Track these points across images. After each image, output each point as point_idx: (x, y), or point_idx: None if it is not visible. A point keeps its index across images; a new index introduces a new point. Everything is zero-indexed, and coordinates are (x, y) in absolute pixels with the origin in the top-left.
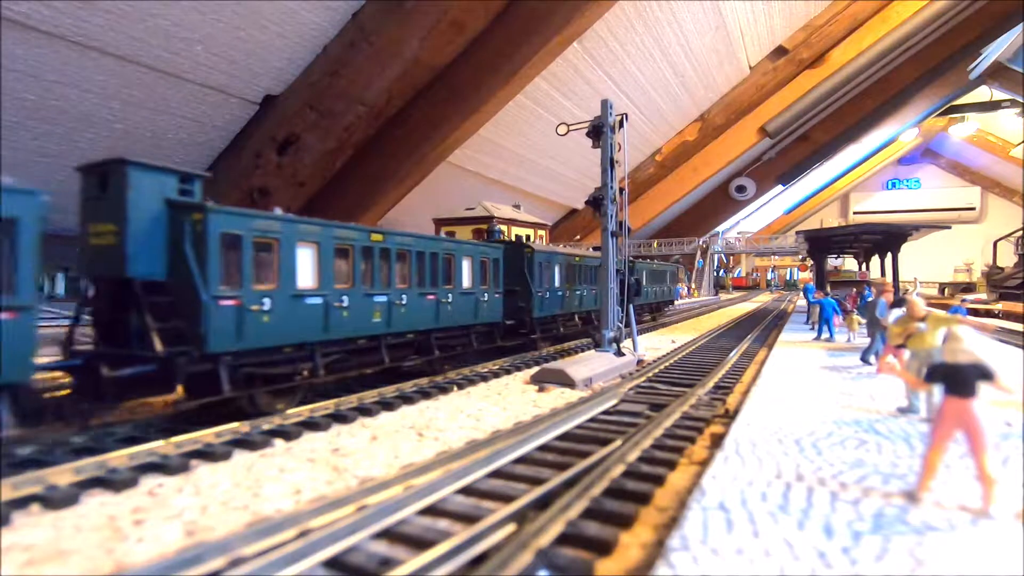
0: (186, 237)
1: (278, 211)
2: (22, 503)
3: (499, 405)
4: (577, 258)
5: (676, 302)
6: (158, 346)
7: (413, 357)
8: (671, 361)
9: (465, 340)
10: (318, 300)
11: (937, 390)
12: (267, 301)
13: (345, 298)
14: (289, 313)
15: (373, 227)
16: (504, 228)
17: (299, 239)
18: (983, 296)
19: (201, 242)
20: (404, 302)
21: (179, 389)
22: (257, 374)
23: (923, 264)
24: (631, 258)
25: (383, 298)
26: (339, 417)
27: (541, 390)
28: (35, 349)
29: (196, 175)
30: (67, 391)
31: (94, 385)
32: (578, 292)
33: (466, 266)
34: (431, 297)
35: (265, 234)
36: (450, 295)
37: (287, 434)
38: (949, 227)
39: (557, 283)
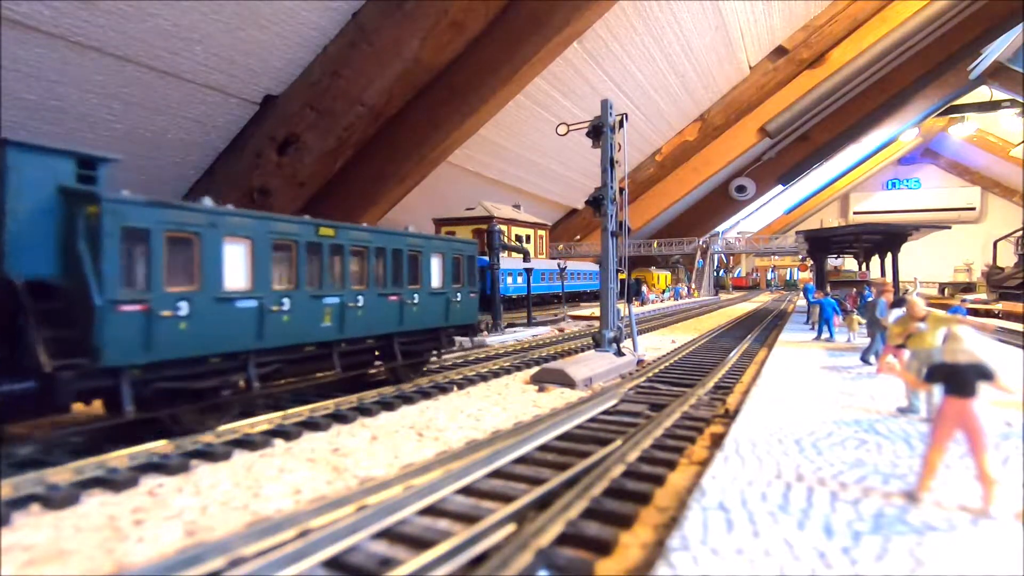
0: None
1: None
2: (22, 503)
3: (499, 405)
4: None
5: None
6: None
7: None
8: (671, 361)
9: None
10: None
11: (937, 390)
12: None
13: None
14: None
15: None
16: (504, 228)
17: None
18: (983, 296)
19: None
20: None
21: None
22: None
23: (923, 264)
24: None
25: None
26: (339, 417)
27: (541, 390)
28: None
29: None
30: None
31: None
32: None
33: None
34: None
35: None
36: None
37: (287, 434)
38: (949, 227)
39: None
